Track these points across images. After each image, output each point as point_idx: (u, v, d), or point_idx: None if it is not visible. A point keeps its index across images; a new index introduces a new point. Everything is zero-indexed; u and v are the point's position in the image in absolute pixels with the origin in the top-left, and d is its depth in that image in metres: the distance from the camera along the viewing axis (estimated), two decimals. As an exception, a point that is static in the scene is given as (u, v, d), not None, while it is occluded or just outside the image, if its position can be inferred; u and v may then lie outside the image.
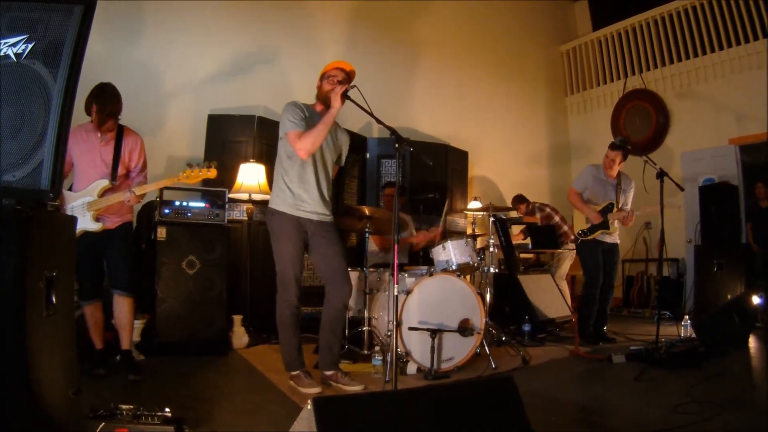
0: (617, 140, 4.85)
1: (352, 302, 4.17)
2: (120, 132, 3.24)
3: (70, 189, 3.19)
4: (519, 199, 6.53)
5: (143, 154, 3.35)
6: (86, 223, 3.06)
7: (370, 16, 6.66)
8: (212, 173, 3.17)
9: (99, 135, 3.17)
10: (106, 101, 3.07)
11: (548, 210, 6.30)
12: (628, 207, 4.86)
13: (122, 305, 3.26)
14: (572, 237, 5.96)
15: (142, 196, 3.21)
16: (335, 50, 6.06)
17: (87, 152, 3.16)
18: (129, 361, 3.26)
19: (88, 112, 3.10)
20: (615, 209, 4.74)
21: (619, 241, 4.93)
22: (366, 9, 6.62)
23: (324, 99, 3.12)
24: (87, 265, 3.16)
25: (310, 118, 3.07)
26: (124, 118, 3.26)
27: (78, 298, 3.19)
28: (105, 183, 3.13)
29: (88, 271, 3.19)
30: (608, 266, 4.81)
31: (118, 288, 3.26)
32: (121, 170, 3.22)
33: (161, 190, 3.80)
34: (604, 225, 4.73)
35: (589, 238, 4.76)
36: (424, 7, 7.23)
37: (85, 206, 3.08)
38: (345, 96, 2.93)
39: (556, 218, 6.24)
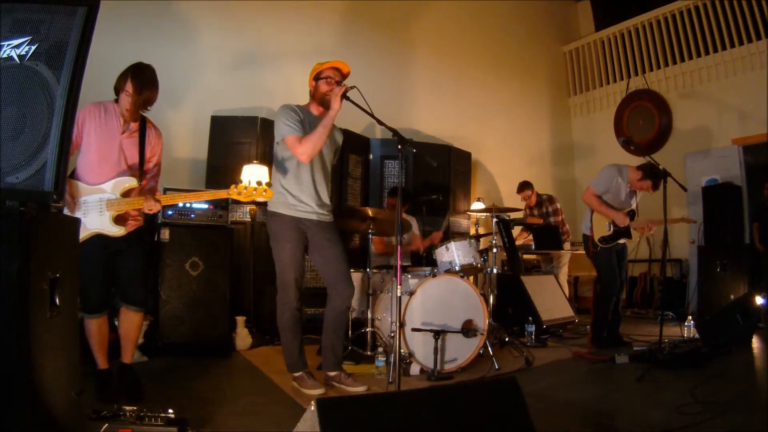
0: (641, 158, 4.39)
1: (355, 303, 4.17)
2: (143, 124, 2.80)
3: (71, 175, 2.65)
4: (526, 185, 6.37)
5: (160, 154, 2.92)
6: (104, 224, 2.60)
7: (372, 16, 6.67)
8: (268, 194, 2.74)
9: (122, 123, 2.71)
10: (145, 82, 2.65)
11: (558, 205, 6.23)
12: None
13: (131, 319, 2.86)
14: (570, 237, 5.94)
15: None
16: (337, 51, 6.04)
17: (105, 138, 2.68)
18: (130, 376, 2.85)
19: (118, 92, 2.68)
20: (636, 217, 4.44)
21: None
22: (368, 9, 6.63)
23: (321, 100, 3.07)
24: (95, 273, 2.68)
25: (305, 120, 3.04)
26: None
27: (81, 310, 2.75)
28: (132, 182, 2.68)
29: (97, 280, 2.70)
30: (620, 268, 4.51)
31: (129, 302, 2.83)
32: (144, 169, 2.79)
33: (164, 190, 3.78)
34: (627, 234, 4.39)
35: (610, 245, 4.40)
36: (426, 8, 7.24)
37: (104, 204, 2.61)
38: (344, 97, 2.89)
39: (561, 216, 6.21)
